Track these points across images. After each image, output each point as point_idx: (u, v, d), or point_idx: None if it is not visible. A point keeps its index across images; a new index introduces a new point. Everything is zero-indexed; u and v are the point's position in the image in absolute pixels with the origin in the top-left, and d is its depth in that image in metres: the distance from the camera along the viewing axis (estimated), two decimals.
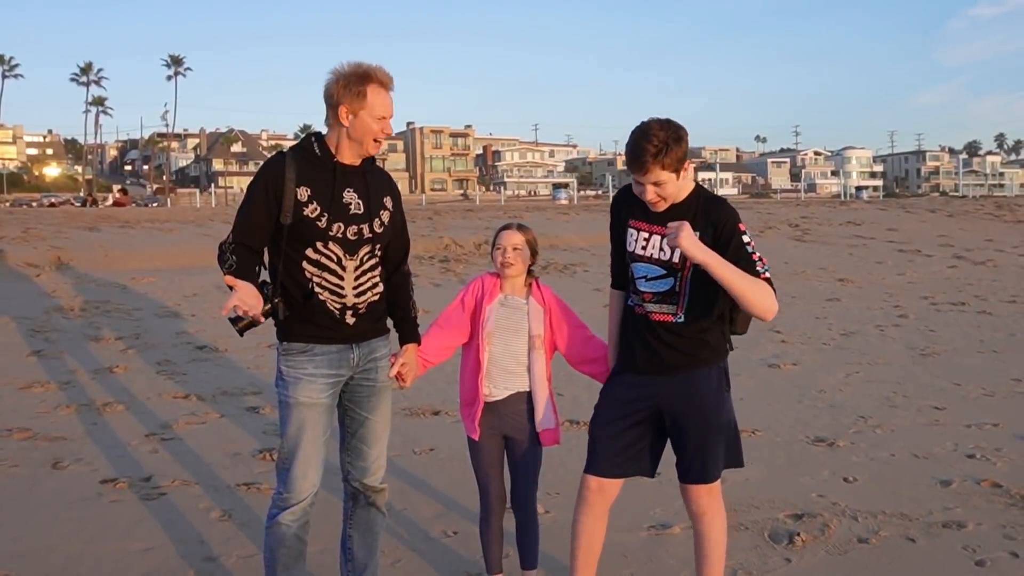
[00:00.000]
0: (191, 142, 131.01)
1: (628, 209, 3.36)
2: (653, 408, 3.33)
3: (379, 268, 3.35)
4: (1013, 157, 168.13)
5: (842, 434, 6.35)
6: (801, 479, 5.38)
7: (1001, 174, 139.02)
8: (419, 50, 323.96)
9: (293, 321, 3.17)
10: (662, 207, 3.22)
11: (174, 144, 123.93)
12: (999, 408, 7.07)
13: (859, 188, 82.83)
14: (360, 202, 3.25)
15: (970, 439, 6.23)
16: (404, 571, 4.11)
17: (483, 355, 3.64)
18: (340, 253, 3.20)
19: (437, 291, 12.33)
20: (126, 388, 7.31)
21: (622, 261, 3.41)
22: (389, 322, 3.51)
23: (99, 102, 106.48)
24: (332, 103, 3.17)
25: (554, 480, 5.09)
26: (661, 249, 3.24)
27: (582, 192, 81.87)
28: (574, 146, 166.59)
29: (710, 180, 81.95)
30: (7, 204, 52.63)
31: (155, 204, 63.73)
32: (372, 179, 3.32)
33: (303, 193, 3.15)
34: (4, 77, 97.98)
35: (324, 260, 3.19)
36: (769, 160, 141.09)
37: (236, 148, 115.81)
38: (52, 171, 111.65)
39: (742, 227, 3.17)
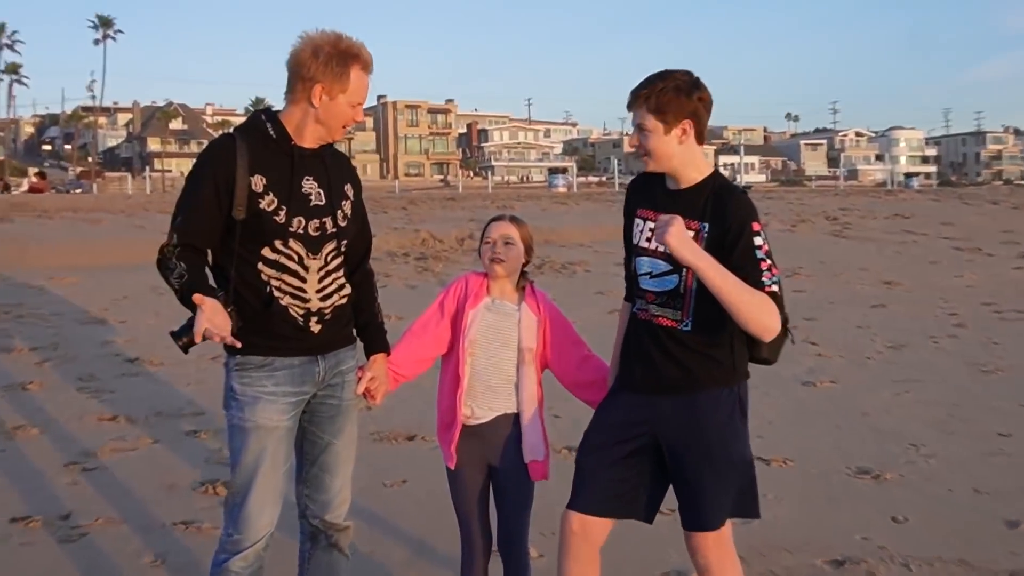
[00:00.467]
0: (122, 117, 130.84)
1: (639, 198, 3.41)
2: (650, 436, 3.31)
3: (344, 268, 3.37)
4: None
5: (889, 465, 6.35)
6: (841, 518, 5.37)
7: None
8: (391, 8, 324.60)
9: (248, 332, 3.16)
10: (648, 167, 3.28)
11: (102, 120, 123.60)
12: None
13: (908, 175, 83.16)
14: (321, 192, 3.26)
15: None
16: None
17: (463, 368, 3.64)
18: (302, 251, 3.21)
19: (412, 294, 12.31)
20: (41, 408, 7.26)
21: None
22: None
23: (13, 69, 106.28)
24: (304, 78, 3.16)
25: (548, 518, 5.04)
26: None
27: (582, 178, 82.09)
28: (573, 124, 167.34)
29: (733, 165, 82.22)
30: None
31: (79, 190, 63.61)
32: (332, 165, 3.34)
33: (258, 183, 3.15)
34: None
35: (284, 260, 3.19)
36: (802, 142, 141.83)
37: (176, 125, 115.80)
38: None
39: (756, 226, 3.16)
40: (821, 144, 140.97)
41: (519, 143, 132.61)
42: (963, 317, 12.14)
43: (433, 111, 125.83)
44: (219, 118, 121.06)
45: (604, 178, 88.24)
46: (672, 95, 3.15)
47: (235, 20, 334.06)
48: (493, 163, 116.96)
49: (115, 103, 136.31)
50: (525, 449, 3.64)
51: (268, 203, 3.14)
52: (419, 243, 16.97)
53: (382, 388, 3.54)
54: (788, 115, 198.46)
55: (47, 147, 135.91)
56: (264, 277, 3.18)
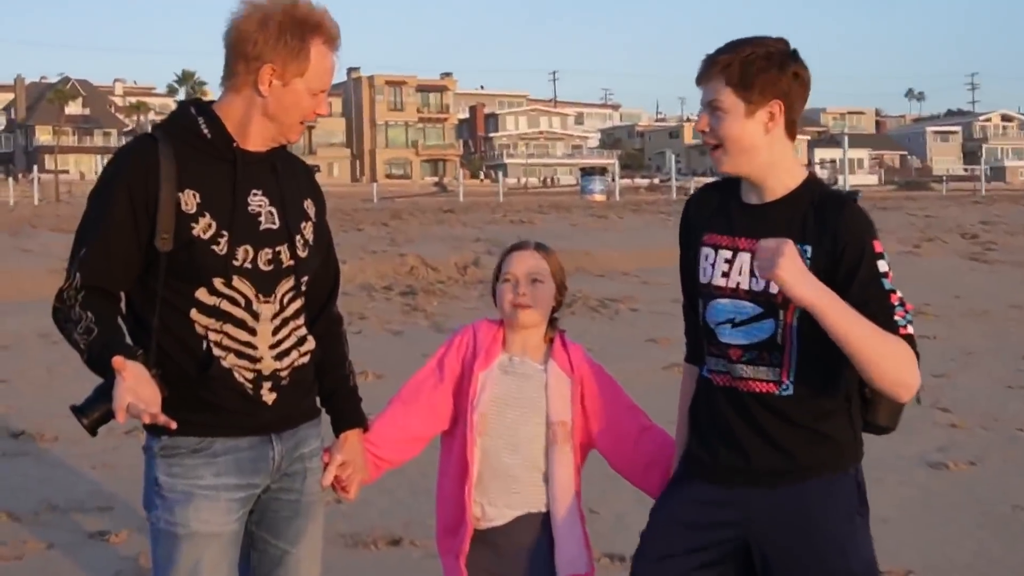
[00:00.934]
0: (1, 98, 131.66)
1: (704, 217, 3.42)
2: (736, 542, 3.33)
3: (304, 314, 3.39)
4: None
5: None
6: None
7: None
8: None
9: (178, 404, 3.10)
10: (722, 165, 3.27)
11: None
12: None
13: None
14: (273, 211, 3.29)
15: None
16: None
17: (472, 452, 3.66)
18: (250, 293, 3.23)
19: (397, 343, 12.35)
20: None
21: (699, 315, 3.43)
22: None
23: None
24: (248, 56, 3.18)
25: None
26: (753, 274, 3.25)
27: (627, 180, 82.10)
28: (615, 107, 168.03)
29: (834, 162, 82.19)
30: None
31: None
32: (284, 173, 3.37)
33: (189, 200, 3.17)
34: None
35: (226, 305, 3.21)
36: (929, 129, 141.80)
37: (74, 108, 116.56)
38: None
39: (878, 246, 3.18)
40: (954, 132, 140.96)
41: (541, 132, 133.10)
42: None
43: (424, 89, 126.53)
44: (133, 99, 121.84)
45: (657, 180, 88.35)
46: (762, 64, 3.17)
47: None
48: (506, 160, 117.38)
49: None
50: (560, 562, 3.66)
51: (203, 228, 3.16)
52: (406, 272, 17.02)
53: (357, 477, 3.55)
54: (909, 92, 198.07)
55: None
56: (199, 329, 3.20)
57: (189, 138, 3.24)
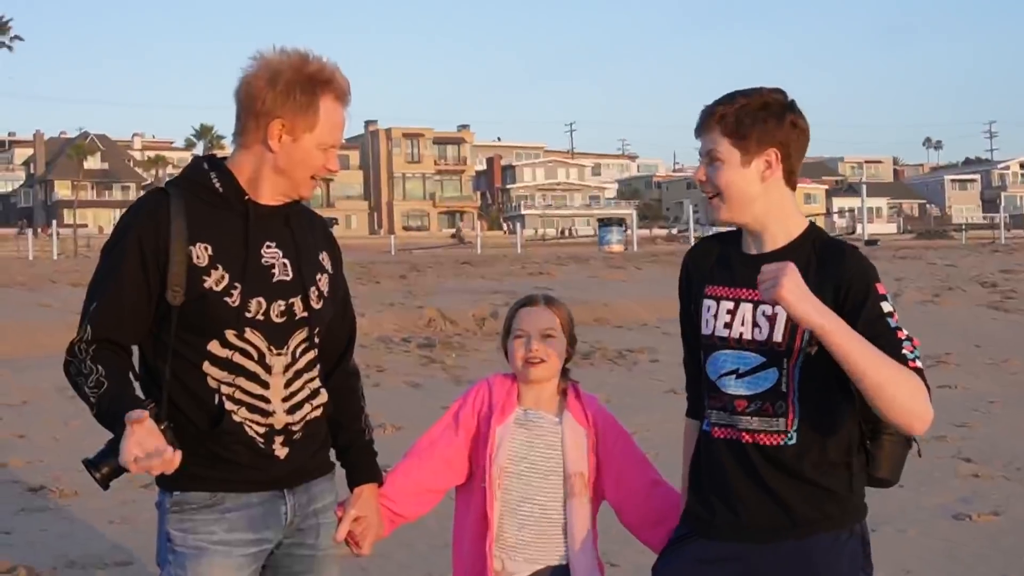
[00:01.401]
0: (20, 154, 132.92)
1: (704, 271, 3.42)
2: None
3: (318, 366, 3.40)
4: None
5: None
6: None
7: None
8: (383, 1, 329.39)
9: (190, 458, 3.11)
10: (720, 214, 3.30)
11: None
12: None
13: None
14: (287, 263, 3.31)
15: None
16: None
17: (492, 506, 3.65)
18: (262, 345, 3.24)
19: (415, 396, 12.35)
20: None
21: (700, 368, 3.41)
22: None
23: None
24: (257, 112, 3.22)
25: None
26: (756, 324, 3.26)
27: (645, 231, 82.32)
28: (632, 158, 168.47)
29: (852, 211, 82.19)
30: None
31: None
32: (299, 225, 3.38)
33: (201, 253, 3.19)
34: None
35: (238, 358, 3.22)
36: (947, 177, 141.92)
37: (92, 163, 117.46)
38: None
39: (881, 288, 3.19)
40: (973, 180, 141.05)
41: (558, 183, 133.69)
42: None
43: (441, 141, 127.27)
44: (151, 153, 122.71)
45: (676, 231, 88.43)
46: (758, 115, 3.20)
47: (173, 22, 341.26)
48: (523, 211, 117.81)
49: (11, 134, 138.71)
50: None
51: (216, 280, 3.18)
52: (424, 324, 17.02)
53: (371, 532, 3.54)
54: (927, 141, 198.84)
55: None
56: (211, 382, 3.21)
57: (201, 192, 3.26)
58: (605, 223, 60.17)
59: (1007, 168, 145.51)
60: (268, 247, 3.27)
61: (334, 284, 3.44)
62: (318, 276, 3.37)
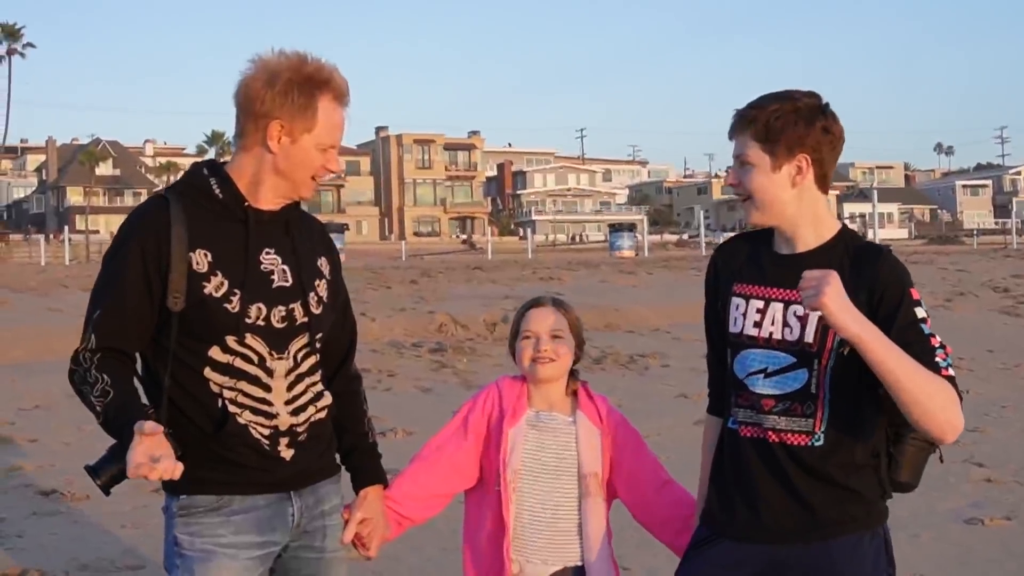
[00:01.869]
0: (32, 160, 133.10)
1: (734, 268, 3.43)
2: None
3: (320, 370, 3.41)
4: None
5: None
6: None
7: None
8: (394, 11, 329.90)
9: (195, 462, 3.11)
10: (752, 216, 3.31)
11: (5, 164, 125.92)
12: None
13: None
14: (286, 269, 3.31)
15: None
16: None
17: (508, 509, 3.66)
18: (263, 350, 3.25)
19: (427, 400, 12.35)
20: None
21: (725, 366, 3.43)
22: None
23: None
24: (256, 114, 3.23)
25: None
26: (786, 324, 3.26)
27: (656, 236, 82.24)
28: (642, 163, 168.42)
29: (864, 216, 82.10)
30: None
31: None
32: (298, 231, 3.40)
33: (201, 260, 3.20)
34: None
35: (239, 363, 3.23)
36: (959, 183, 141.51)
37: (105, 169, 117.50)
38: None
39: (915, 294, 3.20)
40: (984, 185, 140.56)
41: (569, 189, 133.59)
42: None
43: (452, 147, 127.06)
44: (163, 160, 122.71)
45: (687, 236, 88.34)
46: (788, 119, 3.20)
47: (186, 29, 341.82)
48: (534, 217, 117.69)
49: (23, 141, 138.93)
50: None
51: (216, 287, 3.19)
52: (435, 330, 17.01)
53: (377, 534, 3.55)
54: (938, 147, 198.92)
55: None
56: (214, 387, 3.22)
57: (201, 198, 3.27)
58: (616, 229, 60.14)
59: (1018, 173, 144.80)
60: (267, 254, 3.28)
61: (333, 289, 3.45)
62: (317, 282, 3.38)
